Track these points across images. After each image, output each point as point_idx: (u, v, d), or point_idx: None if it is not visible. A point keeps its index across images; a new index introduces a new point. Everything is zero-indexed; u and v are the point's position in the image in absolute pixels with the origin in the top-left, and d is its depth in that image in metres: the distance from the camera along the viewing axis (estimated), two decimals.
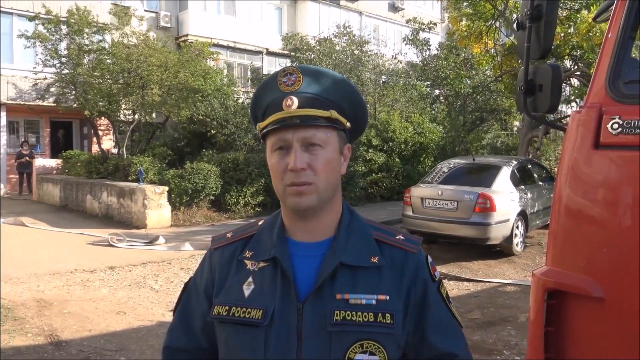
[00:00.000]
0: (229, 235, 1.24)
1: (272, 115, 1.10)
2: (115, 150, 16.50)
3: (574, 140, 1.82)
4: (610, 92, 1.73)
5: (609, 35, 1.81)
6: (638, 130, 1.60)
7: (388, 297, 1.08)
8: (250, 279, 1.13)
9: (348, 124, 1.15)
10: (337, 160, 1.12)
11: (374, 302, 1.07)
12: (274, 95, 1.12)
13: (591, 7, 10.79)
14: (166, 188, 11.13)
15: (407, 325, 1.11)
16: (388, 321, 1.06)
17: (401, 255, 1.13)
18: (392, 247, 1.14)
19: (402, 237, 1.17)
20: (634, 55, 1.93)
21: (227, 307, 1.12)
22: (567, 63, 13.45)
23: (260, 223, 1.23)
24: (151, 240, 9.12)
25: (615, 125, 1.65)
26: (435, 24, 17.98)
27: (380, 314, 1.06)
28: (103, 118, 15.43)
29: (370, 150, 14.70)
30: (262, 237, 1.18)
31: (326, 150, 1.09)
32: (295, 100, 1.08)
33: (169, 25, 19.81)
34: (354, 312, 1.06)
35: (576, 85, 14.10)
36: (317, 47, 17.22)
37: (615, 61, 1.75)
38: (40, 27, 13.97)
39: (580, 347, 1.71)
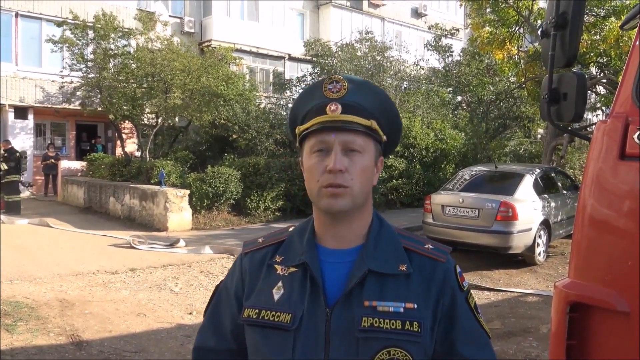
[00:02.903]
0: (260, 240, 1.26)
1: (314, 118, 1.13)
2: (138, 154, 16.76)
3: (599, 150, 1.78)
4: (637, 101, 1.69)
5: (637, 43, 1.78)
6: None
7: (416, 306, 1.09)
8: (280, 284, 1.15)
9: (385, 137, 1.18)
10: (372, 169, 1.14)
11: (401, 310, 1.08)
12: (318, 101, 1.14)
13: (620, 14, 10.59)
14: (187, 191, 11.24)
15: (436, 334, 1.12)
16: (416, 329, 1.07)
17: (430, 265, 1.14)
18: (421, 255, 1.15)
19: (430, 246, 1.18)
20: None
21: (257, 311, 1.14)
22: (593, 70, 13.23)
23: (291, 229, 1.25)
24: (172, 243, 9.22)
25: None
26: (457, 30, 17.81)
27: (408, 322, 1.07)
28: (127, 121, 15.67)
29: (390, 157, 14.61)
30: (292, 243, 1.20)
31: (363, 157, 1.12)
32: (339, 106, 1.11)
33: (192, 30, 20.06)
34: (381, 320, 1.07)
35: (602, 92, 13.86)
36: (339, 53, 17.23)
37: None
38: (68, 32, 14.27)
39: None
